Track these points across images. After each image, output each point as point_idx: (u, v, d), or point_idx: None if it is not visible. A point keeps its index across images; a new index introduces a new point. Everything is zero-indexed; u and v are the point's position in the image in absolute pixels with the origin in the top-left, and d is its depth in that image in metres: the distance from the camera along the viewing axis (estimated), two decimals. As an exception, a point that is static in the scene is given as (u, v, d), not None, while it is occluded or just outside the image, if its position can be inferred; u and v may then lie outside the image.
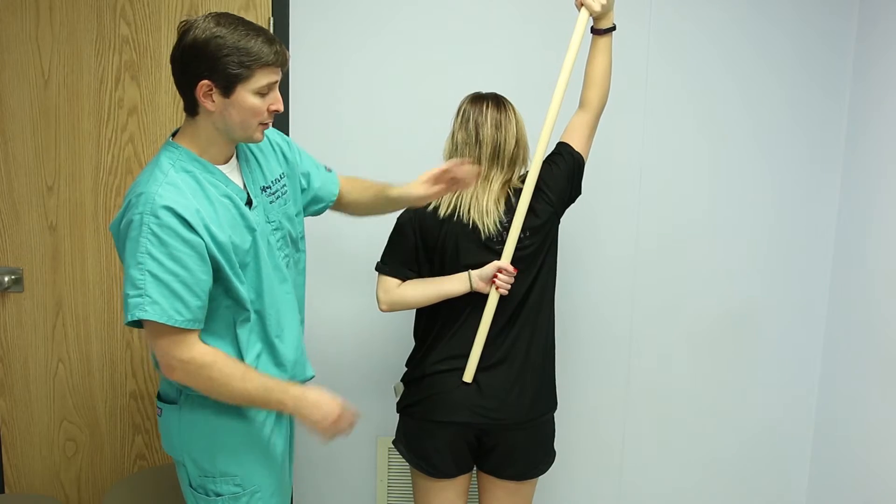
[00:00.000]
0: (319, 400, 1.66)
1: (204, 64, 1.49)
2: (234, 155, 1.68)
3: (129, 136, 2.36)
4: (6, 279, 2.39)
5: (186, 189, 1.54)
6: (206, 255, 1.54)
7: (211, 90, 1.51)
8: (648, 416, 2.51)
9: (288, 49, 2.32)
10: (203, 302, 1.55)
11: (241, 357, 1.65)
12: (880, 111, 2.22)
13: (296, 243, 1.82)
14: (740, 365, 2.50)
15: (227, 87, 1.51)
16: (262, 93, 1.54)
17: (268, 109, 1.57)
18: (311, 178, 1.87)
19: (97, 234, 2.40)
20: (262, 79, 1.53)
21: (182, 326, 1.52)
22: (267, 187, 1.73)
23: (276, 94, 1.58)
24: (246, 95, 1.52)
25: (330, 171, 1.92)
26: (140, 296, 1.50)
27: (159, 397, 1.74)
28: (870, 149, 2.27)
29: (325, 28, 2.34)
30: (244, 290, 1.62)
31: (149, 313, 1.50)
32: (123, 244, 1.54)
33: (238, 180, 1.67)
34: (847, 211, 2.38)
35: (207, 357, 1.56)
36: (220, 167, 1.63)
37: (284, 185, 1.79)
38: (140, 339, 2.45)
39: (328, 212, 2.38)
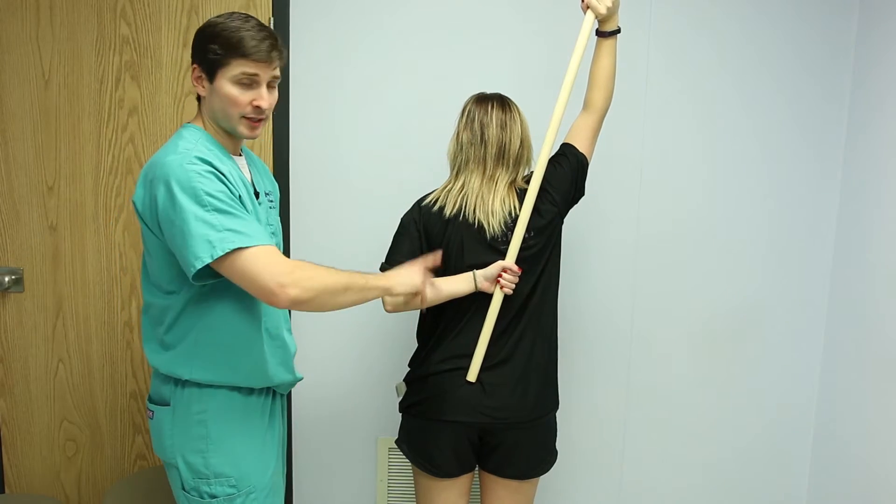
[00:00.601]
0: (406, 280, 1.71)
1: (197, 48, 1.60)
2: (242, 154, 1.74)
3: (130, 136, 2.36)
4: (6, 279, 2.39)
5: (213, 155, 1.58)
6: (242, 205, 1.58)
7: (200, 75, 1.61)
8: (649, 415, 2.52)
9: (288, 49, 2.32)
10: (265, 231, 1.60)
11: (239, 343, 1.66)
12: (880, 111, 2.22)
13: None
14: (741, 365, 2.50)
15: (210, 71, 1.59)
16: (241, 83, 1.58)
17: (250, 104, 1.60)
18: None
19: (97, 234, 2.39)
20: (238, 68, 1.57)
21: (265, 243, 1.51)
22: (267, 193, 1.80)
23: (261, 90, 1.60)
24: (224, 83, 1.58)
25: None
26: (214, 231, 1.48)
27: (150, 399, 1.74)
28: (870, 148, 2.27)
29: (324, 28, 2.33)
30: None
31: (234, 242, 1.47)
32: (157, 207, 1.53)
33: (247, 174, 1.72)
34: (847, 210, 2.38)
35: (297, 272, 1.52)
36: (232, 157, 1.69)
37: (275, 202, 1.85)
38: (140, 338, 2.45)
39: (330, 212, 2.40)
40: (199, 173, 1.51)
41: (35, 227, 2.38)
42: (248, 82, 1.59)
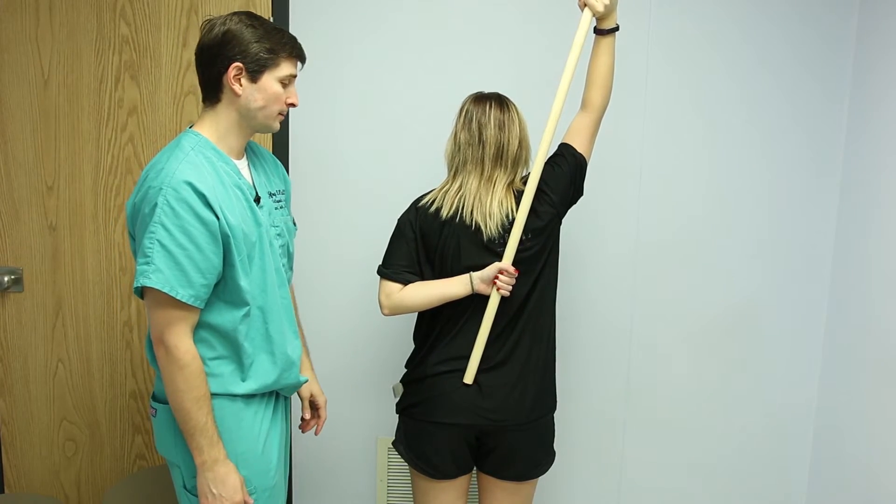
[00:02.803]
0: (227, 481, 1.61)
1: (237, 48, 1.61)
2: (245, 155, 1.75)
3: (129, 136, 2.36)
4: (6, 279, 2.39)
5: (204, 170, 1.60)
6: (219, 236, 1.58)
7: (241, 73, 1.62)
8: (648, 415, 2.52)
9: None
10: (208, 282, 1.58)
11: (238, 351, 1.66)
12: (880, 111, 2.22)
13: (291, 259, 1.86)
14: (740, 365, 2.50)
15: (257, 71, 1.62)
16: (284, 82, 1.66)
17: (286, 101, 1.68)
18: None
19: (97, 233, 2.39)
20: (286, 68, 1.66)
21: (183, 300, 1.55)
22: (273, 194, 1.79)
23: (294, 88, 1.70)
24: (272, 82, 1.64)
25: (294, 225, 1.96)
26: (147, 263, 1.54)
27: (154, 397, 1.74)
28: (870, 149, 2.27)
29: (324, 28, 2.33)
30: (247, 282, 1.64)
31: (152, 281, 1.53)
32: (138, 219, 1.59)
33: (248, 177, 1.72)
34: (847, 211, 2.38)
35: (187, 357, 1.57)
36: (233, 161, 1.69)
37: (285, 200, 1.86)
38: (140, 338, 2.45)
39: (328, 212, 2.40)
40: (170, 204, 1.53)
41: (34, 227, 2.38)
42: (288, 82, 1.68)
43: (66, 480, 2.51)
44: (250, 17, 1.64)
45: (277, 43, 1.63)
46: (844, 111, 2.38)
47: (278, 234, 1.76)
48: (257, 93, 1.63)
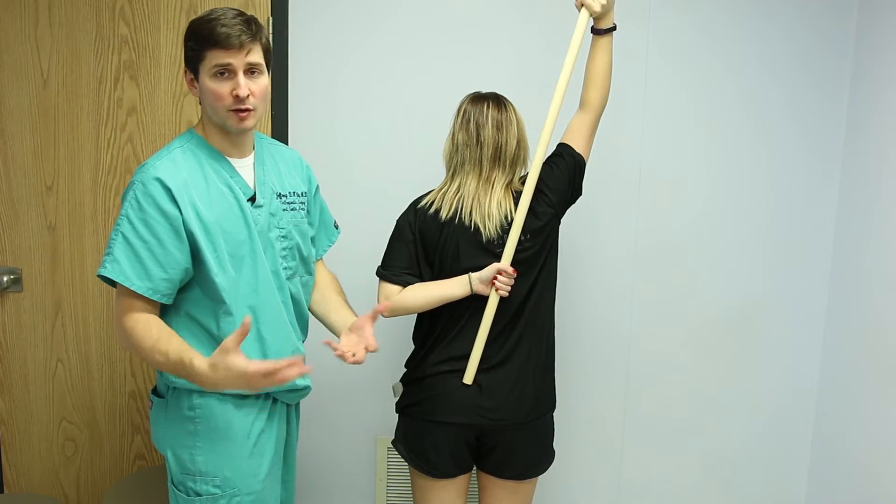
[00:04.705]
0: (222, 374, 1.48)
1: (185, 52, 1.62)
2: (252, 154, 1.73)
3: (129, 135, 2.36)
4: (5, 279, 2.39)
5: (184, 165, 1.61)
6: (183, 232, 1.58)
7: (191, 77, 1.62)
8: (648, 415, 2.52)
9: (287, 49, 2.32)
10: (170, 277, 1.58)
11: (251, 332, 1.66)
12: (879, 111, 2.22)
13: (306, 263, 1.83)
14: (739, 364, 2.50)
15: (193, 70, 1.61)
16: (217, 74, 1.57)
17: (232, 95, 1.58)
18: (317, 225, 1.92)
19: (96, 233, 2.39)
20: (212, 60, 1.56)
21: (140, 293, 1.56)
22: (283, 195, 1.76)
23: (238, 79, 1.57)
24: (204, 78, 1.59)
25: (337, 227, 1.98)
26: (108, 254, 1.57)
27: (154, 391, 1.77)
28: (869, 148, 2.27)
29: (324, 28, 2.33)
30: (224, 280, 1.62)
31: (108, 270, 1.57)
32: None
33: (248, 177, 1.70)
34: (846, 210, 2.38)
35: (129, 322, 1.57)
36: (231, 160, 1.68)
37: (304, 203, 1.82)
38: (139, 338, 2.45)
39: (330, 211, 2.39)
40: (136, 198, 1.56)
41: (34, 227, 2.38)
42: (224, 73, 1.57)
43: (65, 480, 2.51)
44: (206, 12, 1.60)
45: (200, 35, 1.56)
46: (843, 111, 2.38)
47: (283, 236, 1.74)
48: (202, 93, 1.61)
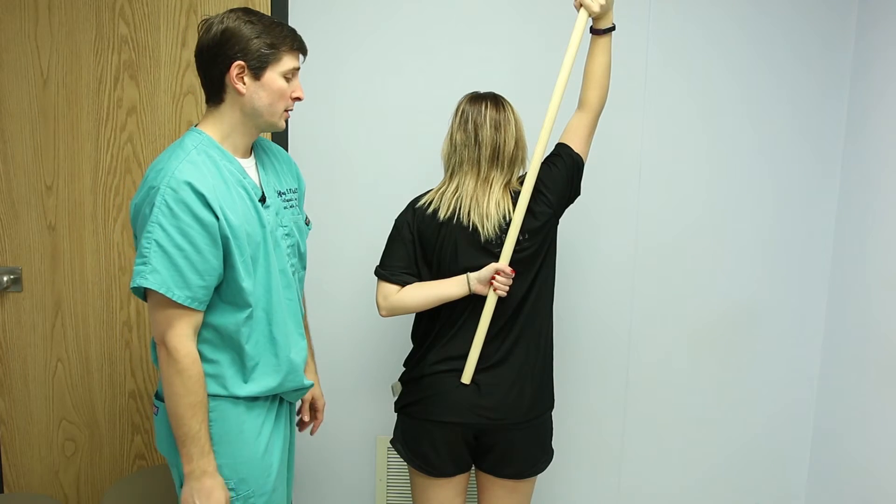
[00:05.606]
0: (212, 495, 1.59)
1: (237, 46, 1.58)
2: (252, 153, 1.73)
3: (128, 135, 2.36)
4: (5, 279, 2.39)
5: (206, 169, 1.58)
6: (218, 238, 1.56)
7: (243, 72, 1.59)
8: (647, 415, 2.51)
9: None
10: (207, 284, 1.56)
11: (241, 353, 1.65)
12: (879, 110, 2.22)
13: (303, 258, 1.84)
14: (739, 365, 2.50)
15: (259, 68, 1.60)
16: (287, 77, 1.63)
17: (291, 96, 1.66)
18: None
19: (96, 233, 2.40)
20: (288, 62, 1.63)
21: (180, 302, 1.53)
22: (282, 193, 1.77)
23: (298, 81, 1.68)
24: (275, 77, 1.62)
25: (308, 224, 1.93)
26: (144, 264, 1.53)
27: (157, 395, 1.73)
28: (869, 148, 2.27)
29: (323, 28, 2.33)
30: (249, 284, 1.62)
31: (149, 281, 1.52)
32: (138, 218, 1.57)
33: (254, 176, 1.70)
34: (846, 210, 2.37)
35: (187, 361, 1.56)
36: (238, 160, 1.67)
37: (298, 200, 1.84)
38: (139, 338, 2.45)
39: (326, 212, 2.40)
40: (168, 205, 1.52)
41: (34, 227, 2.38)
42: (292, 76, 1.65)
43: (65, 480, 2.51)
44: (247, 13, 1.61)
45: (278, 37, 1.60)
46: (844, 110, 2.38)
47: (287, 234, 1.74)
48: (261, 90, 1.61)
